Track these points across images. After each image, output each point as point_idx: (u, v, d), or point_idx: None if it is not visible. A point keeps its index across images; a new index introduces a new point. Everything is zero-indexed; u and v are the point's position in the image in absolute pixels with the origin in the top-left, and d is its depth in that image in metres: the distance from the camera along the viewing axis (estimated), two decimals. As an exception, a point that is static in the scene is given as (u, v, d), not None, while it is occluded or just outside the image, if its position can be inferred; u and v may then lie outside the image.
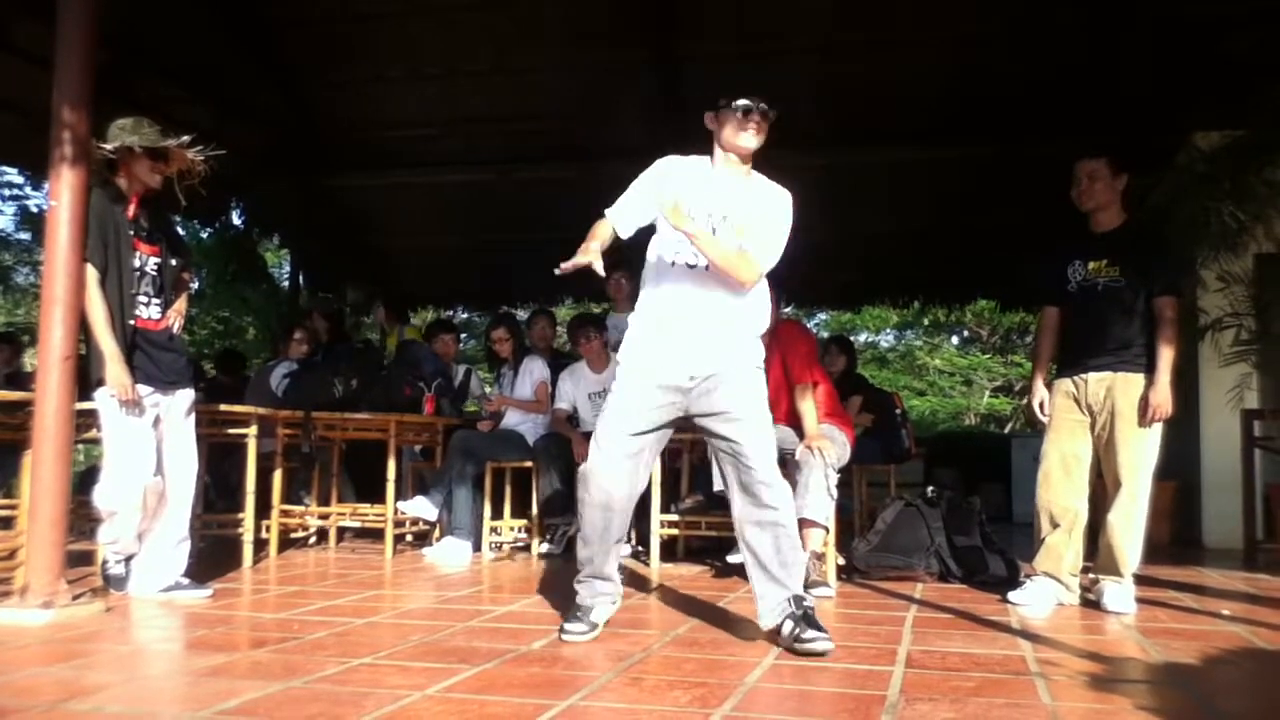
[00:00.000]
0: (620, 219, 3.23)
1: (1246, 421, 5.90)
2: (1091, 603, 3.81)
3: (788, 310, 9.24)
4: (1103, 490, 3.90)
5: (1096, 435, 3.87)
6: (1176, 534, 6.64)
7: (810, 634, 2.88)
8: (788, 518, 3.13)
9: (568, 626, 3.09)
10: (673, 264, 3.18)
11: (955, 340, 20.52)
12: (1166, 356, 3.72)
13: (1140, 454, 3.76)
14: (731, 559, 4.53)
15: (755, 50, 6.64)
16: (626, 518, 3.24)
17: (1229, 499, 6.13)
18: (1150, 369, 3.76)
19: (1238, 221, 5.40)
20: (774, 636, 3.02)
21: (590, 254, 3.09)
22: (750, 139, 3.20)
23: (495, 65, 6.98)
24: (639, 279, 3.38)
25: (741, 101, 3.17)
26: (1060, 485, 3.91)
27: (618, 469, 3.14)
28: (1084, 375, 3.88)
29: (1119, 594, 3.73)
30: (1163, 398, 3.70)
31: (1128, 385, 3.78)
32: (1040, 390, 4.05)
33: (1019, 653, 2.95)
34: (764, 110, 3.20)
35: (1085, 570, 3.96)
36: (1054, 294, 4.08)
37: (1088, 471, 3.91)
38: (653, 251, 3.27)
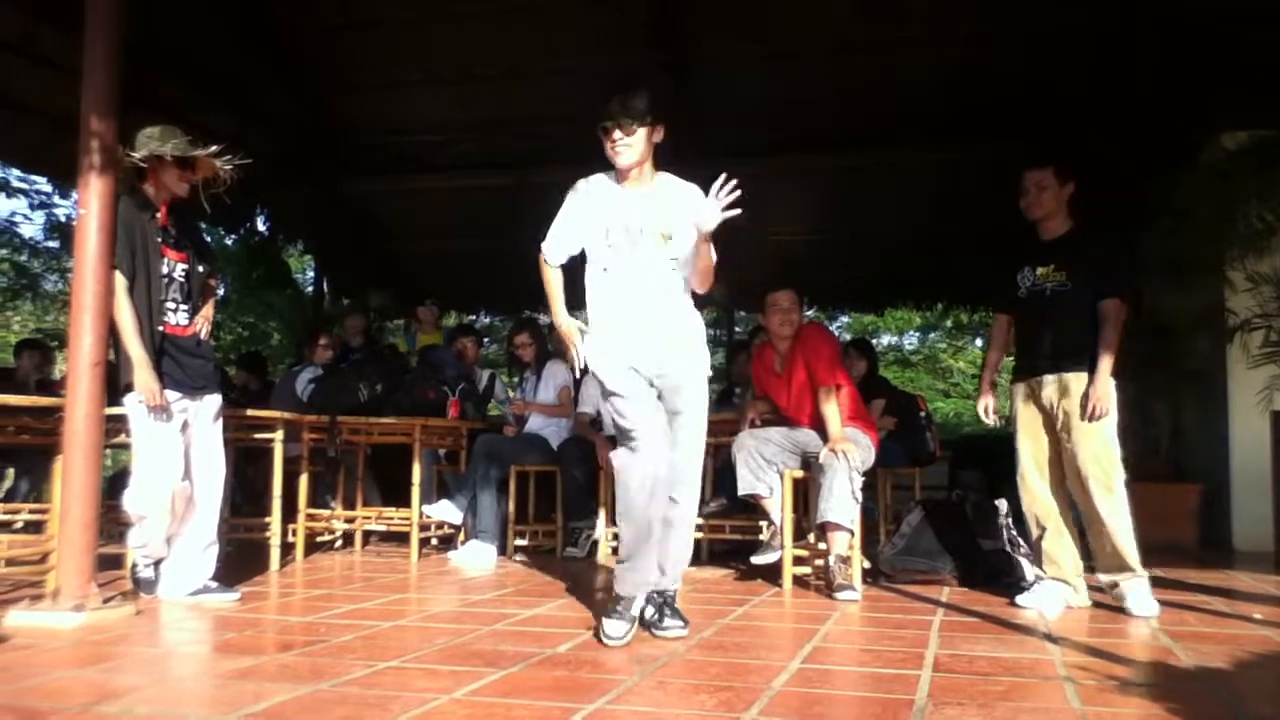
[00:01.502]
0: (554, 250, 3.40)
1: (1276, 423, 5.84)
2: (1116, 607, 3.77)
3: (810, 313, 9.23)
4: (1081, 490, 3.88)
5: (1057, 436, 3.90)
6: (1204, 537, 6.58)
7: (669, 622, 3.20)
8: (690, 519, 3.40)
9: (609, 628, 3.10)
10: (605, 270, 3.31)
11: (979, 342, 20.38)
12: (1105, 354, 3.75)
13: (1098, 449, 3.75)
14: (756, 560, 4.53)
15: (770, 52, 6.63)
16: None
17: (1259, 501, 6.07)
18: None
19: (1264, 222, 5.36)
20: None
21: (574, 336, 3.36)
22: (620, 159, 3.25)
23: (510, 69, 7.00)
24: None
25: (603, 122, 3.22)
26: (1036, 488, 3.97)
27: (656, 442, 3.21)
28: (1038, 378, 3.93)
29: (1138, 591, 3.71)
30: (1101, 392, 3.73)
31: (1079, 383, 3.80)
32: (986, 394, 4.15)
33: (1047, 657, 2.94)
34: (621, 121, 3.19)
35: (1092, 571, 3.93)
36: (1005, 300, 4.14)
37: (1062, 470, 3.93)
38: (592, 271, 3.37)
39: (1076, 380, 3.82)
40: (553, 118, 7.32)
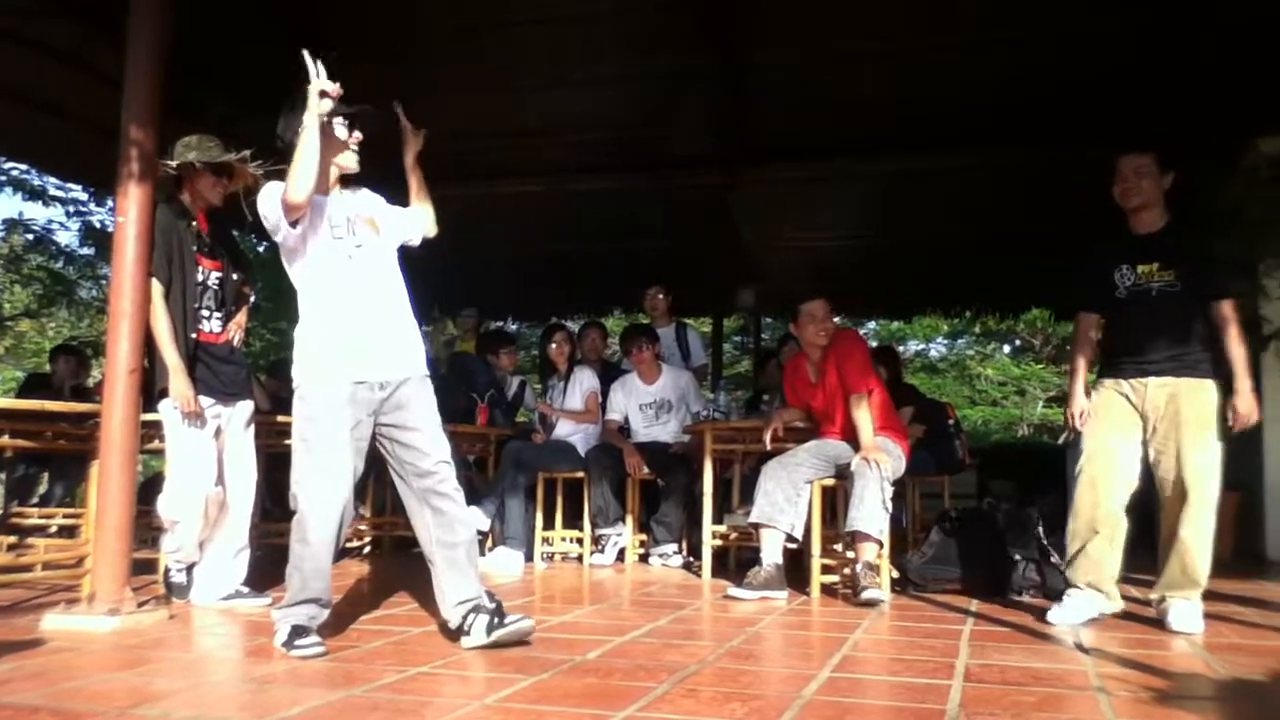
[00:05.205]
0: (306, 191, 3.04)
1: (1312, 433, 5.76)
2: (1152, 619, 3.71)
3: (835, 320, 9.20)
4: (1156, 501, 3.74)
5: (1150, 442, 3.70)
6: (1238, 547, 6.49)
7: (512, 617, 3.06)
8: (470, 523, 3.30)
9: (300, 644, 2.96)
10: (325, 261, 3.14)
11: (1007, 349, 20.25)
12: (1242, 359, 3.56)
13: (1209, 463, 3.58)
14: (735, 592, 4.38)
15: (819, 55, 6.60)
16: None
17: (1294, 512, 5.99)
18: (1213, 374, 3.61)
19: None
20: (459, 634, 3.12)
21: None
22: (352, 159, 3.25)
23: (557, 77, 7.01)
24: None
25: (343, 112, 3.21)
26: (1106, 490, 3.72)
27: (334, 518, 3.09)
28: (1143, 380, 3.69)
29: (1189, 612, 3.57)
30: (1249, 405, 3.54)
31: (1192, 392, 3.60)
32: (1081, 399, 3.82)
33: (1080, 668, 2.91)
34: (364, 124, 3.23)
35: (1135, 584, 3.85)
36: (1098, 300, 3.88)
37: (1135, 478, 3.73)
38: (302, 254, 3.15)
39: (1189, 387, 3.59)
40: (598, 125, 7.31)
